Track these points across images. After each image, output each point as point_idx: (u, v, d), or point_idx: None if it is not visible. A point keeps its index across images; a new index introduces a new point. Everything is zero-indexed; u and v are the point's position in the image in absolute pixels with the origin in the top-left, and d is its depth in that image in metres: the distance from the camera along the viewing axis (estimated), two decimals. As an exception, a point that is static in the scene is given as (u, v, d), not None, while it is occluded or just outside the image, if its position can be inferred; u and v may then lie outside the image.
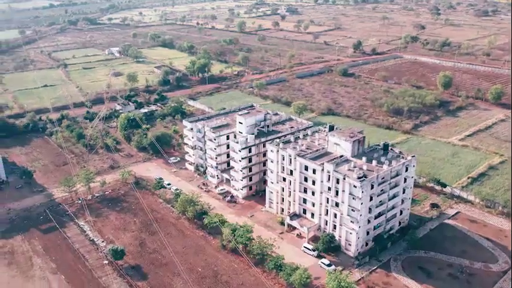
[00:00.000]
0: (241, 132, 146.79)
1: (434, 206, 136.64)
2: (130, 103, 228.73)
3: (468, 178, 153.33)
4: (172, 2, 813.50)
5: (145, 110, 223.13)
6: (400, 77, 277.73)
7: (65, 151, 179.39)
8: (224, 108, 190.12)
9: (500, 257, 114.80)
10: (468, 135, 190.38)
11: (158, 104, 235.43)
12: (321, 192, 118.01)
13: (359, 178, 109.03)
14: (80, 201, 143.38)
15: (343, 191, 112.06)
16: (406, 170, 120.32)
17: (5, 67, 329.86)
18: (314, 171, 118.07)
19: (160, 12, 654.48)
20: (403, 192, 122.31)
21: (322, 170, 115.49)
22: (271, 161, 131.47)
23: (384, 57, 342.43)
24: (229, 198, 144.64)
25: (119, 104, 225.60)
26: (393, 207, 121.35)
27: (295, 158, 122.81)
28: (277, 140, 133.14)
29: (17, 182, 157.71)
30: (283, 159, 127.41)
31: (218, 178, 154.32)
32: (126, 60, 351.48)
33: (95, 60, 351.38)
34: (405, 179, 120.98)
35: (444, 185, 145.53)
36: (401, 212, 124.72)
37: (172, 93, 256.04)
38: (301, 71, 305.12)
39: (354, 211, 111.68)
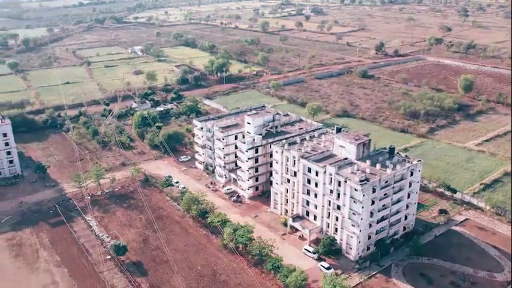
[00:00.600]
0: (249, 133, 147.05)
1: (442, 212, 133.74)
2: (147, 101, 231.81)
3: (481, 184, 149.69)
4: (199, 2, 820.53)
5: (161, 109, 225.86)
6: (421, 79, 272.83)
7: (75, 147, 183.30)
8: (237, 108, 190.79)
9: (507, 266, 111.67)
10: (486, 140, 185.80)
11: (174, 103, 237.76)
12: (323, 195, 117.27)
13: (360, 181, 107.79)
14: (89, 197, 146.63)
15: (345, 194, 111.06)
16: (412, 175, 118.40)
17: (31, 64, 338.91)
18: (317, 173, 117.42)
19: (186, 12, 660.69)
20: (408, 197, 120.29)
21: (325, 172, 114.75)
22: (276, 162, 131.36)
23: (406, 59, 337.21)
24: (235, 198, 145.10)
25: (135, 102, 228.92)
26: (397, 212, 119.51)
27: (298, 160, 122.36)
28: (283, 141, 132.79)
29: (31, 176, 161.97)
30: (288, 161, 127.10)
31: (226, 178, 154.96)
32: (148, 59, 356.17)
33: (117, 59, 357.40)
34: (410, 184, 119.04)
35: (454, 191, 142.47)
36: (406, 217, 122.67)
37: (190, 92, 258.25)
38: (321, 72, 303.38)
39: (354, 214, 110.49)
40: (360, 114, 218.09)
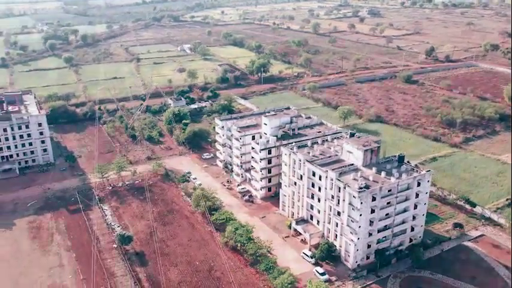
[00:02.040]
0: (266, 133, 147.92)
1: (457, 225, 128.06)
2: (182, 98, 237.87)
3: (507, 200, 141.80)
4: (256, 2, 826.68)
5: (195, 106, 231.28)
6: (468, 86, 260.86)
7: (96, 139, 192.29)
8: (266, 108, 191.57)
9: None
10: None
11: (209, 101, 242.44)
12: (325, 200, 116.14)
13: (359, 188, 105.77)
14: (110, 188, 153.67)
15: (344, 200, 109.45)
16: (419, 185, 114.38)
17: (85, 59, 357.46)
18: (320, 178, 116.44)
19: (241, 12, 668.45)
20: (415, 208, 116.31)
21: (326, 177, 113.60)
22: (285, 164, 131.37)
23: (456, 65, 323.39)
24: (247, 197, 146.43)
25: (171, 99, 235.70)
26: (402, 222, 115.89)
27: (304, 163, 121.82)
28: (292, 144, 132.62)
29: (62, 165, 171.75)
30: (295, 163, 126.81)
31: (242, 177, 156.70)
32: (195, 57, 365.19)
33: (166, 56, 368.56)
34: (417, 194, 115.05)
35: (474, 205, 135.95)
36: (412, 229, 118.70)
37: (228, 91, 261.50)
38: (363, 76, 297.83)
39: (353, 222, 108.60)
40: (394, 120, 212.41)
